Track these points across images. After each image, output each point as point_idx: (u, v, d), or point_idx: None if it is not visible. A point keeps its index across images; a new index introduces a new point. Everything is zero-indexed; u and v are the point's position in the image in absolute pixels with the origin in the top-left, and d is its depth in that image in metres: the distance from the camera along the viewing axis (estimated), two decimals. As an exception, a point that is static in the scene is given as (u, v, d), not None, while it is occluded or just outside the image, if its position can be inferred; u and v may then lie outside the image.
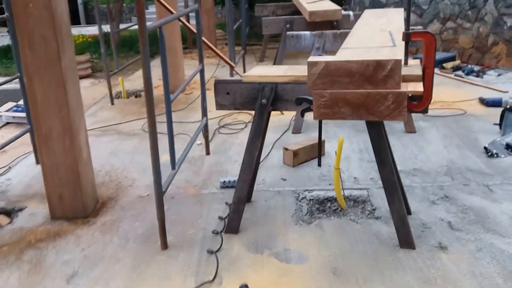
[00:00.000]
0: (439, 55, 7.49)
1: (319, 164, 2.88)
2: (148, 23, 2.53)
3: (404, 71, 2.31)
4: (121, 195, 3.68)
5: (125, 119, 5.47)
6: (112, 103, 6.16)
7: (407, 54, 2.64)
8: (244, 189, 3.03)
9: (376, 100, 2.27)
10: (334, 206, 3.37)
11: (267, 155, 4.28)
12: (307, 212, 3.30)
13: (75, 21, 16.58)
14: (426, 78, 2.47)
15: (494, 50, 7.39)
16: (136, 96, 6.55)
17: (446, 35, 8.14)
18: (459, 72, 7.03)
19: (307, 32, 4.62)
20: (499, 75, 6.83)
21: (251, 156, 2.97)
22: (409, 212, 3.17)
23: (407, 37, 2.55)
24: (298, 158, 4.02)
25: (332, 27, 5.63)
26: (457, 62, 7.56)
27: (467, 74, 6.92)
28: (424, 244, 2.86)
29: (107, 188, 3.81)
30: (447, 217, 3.15)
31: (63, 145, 3.22)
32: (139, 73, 7.60)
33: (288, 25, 5.61)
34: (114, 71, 6.45)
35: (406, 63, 2.65)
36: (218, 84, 2.95)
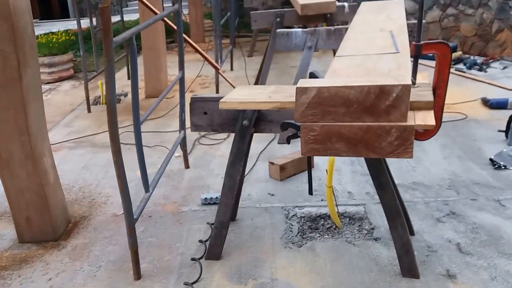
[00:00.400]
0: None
1: (311, 193, 2.57)
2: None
3: (412, 95, 1.86)
4: (94, 214, 3.39)
5: (101, 129, 5.08)
6: (89, 111, 5.78)
7: (415, 72, 2.22)
8: (226, 213, 2.71)
9: (377, 136, 1.84)
10: (328, 223, 3.06)
11: (252, 167, 3.93)
12: (298, 232, 2.98)
13: (63, 14, 16.16)
14: (437, 100, 2.07)
15: (498, 37, 6.98)
16: (115, 102, 6.13)
17: (446, 23, 7.72)
18: (461, 66, 6.62)
19: (299, 30, 4.22)
20: (504, 68, 6.43)
21: (233, 180, 2.65)
22: (411, 233, 2.84)
23: (417, 49, 2.14)
24: (285, 172, 3.68)
25: (326, 20, 5.26)
26: (459, 53, 7.14)
27: (469, 67, 6.51)
28: (430, 272, 2.54)
29: (80, 205, 3.51)
30: (455, 238, 2.83)
31: (26, 170, 2.93)
32: (121, 73, 7.13)
33: (278, 19, 5.22)
34: (94, 75, 6.06)
35: (414, 83, 2.21)
36: (195, 103, 2.60)
